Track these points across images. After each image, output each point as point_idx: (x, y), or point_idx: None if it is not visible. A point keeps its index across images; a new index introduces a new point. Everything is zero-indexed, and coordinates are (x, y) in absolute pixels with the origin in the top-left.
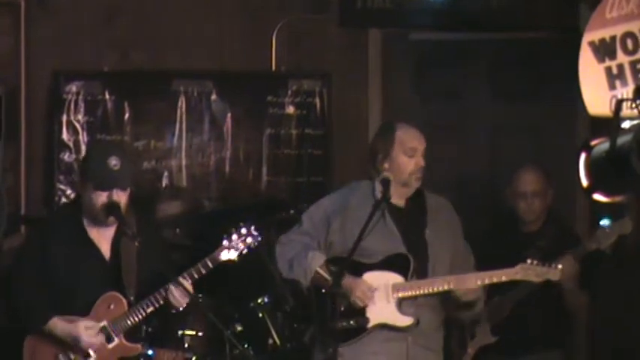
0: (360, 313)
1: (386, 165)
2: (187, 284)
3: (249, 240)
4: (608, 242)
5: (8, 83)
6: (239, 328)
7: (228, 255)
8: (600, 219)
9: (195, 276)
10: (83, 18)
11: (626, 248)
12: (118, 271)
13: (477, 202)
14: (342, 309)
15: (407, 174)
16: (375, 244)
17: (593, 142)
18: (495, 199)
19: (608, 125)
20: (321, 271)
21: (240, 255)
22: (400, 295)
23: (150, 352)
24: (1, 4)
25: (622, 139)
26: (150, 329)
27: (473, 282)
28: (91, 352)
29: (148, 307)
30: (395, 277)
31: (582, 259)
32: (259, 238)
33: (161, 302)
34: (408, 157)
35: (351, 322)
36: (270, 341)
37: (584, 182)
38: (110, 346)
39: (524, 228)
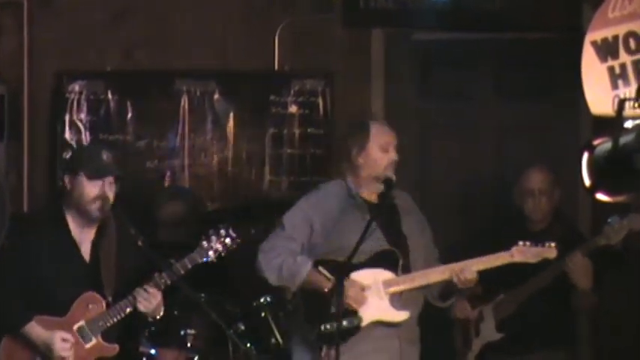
0: (352, 313)
1: (361, 160)
2: (154, 291)
3: (227, 241)
4: (618, 237)
5: (11, 83)
6: (242, 328)
7: (206, 256)
8: (608, 217)
9: (174, 277)
10: (86, 17)
11: (633, 245)
12: (98, 271)
13: (482, 201)
14: (333, 311)
15: (382, 168)
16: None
17: (595, 142)
18: (500, 199)
19: (611, 125)
20: (323, 271)
21: (219, 256)
22: (392, 290)
23: (153, 351)
24: (4, 4)
25: (624, 139)
26: (153, 329)
27: (470, 269)
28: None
29: (126, 307)
30: (383, 274)
31: (592, 256)
32: (238, 240)
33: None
34: (382, 151)
35: (345, 322)
36: (273, 340)
37: (587, 182)
38: (87, 346)
39: (532, 227)
